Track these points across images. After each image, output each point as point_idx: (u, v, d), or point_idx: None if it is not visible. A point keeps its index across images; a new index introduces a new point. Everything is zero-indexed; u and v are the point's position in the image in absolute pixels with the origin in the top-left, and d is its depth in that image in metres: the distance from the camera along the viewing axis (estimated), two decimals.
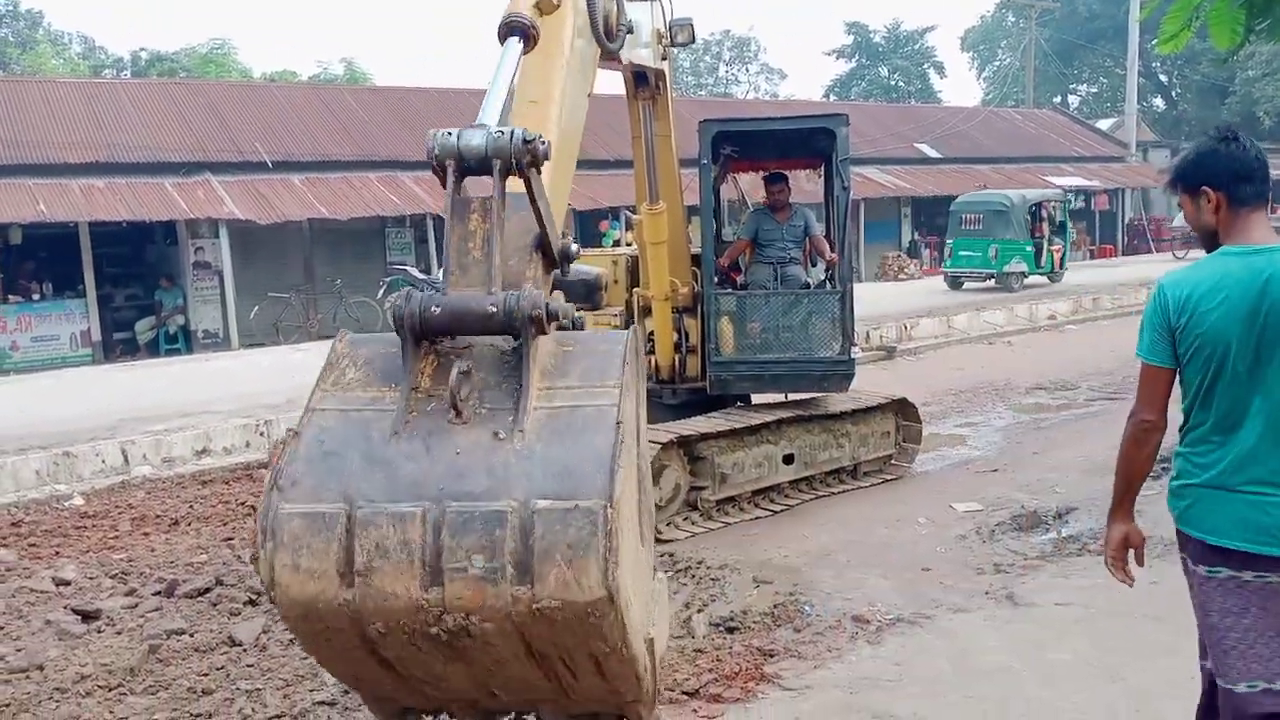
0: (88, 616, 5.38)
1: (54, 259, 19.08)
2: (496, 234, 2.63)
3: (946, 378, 12.38)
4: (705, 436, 6.64)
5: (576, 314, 2.85)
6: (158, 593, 5.78)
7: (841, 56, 54.83)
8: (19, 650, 4.98)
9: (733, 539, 6.43)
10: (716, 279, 7.38)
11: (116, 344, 19.42)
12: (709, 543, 6.35)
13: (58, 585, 5.95)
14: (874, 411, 7.65)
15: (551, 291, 2.93)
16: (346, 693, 4.40)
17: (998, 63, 53.22)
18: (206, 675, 4.67)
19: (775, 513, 6.94)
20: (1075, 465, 7.75)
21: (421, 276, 19.07)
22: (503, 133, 2.59)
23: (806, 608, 5.20)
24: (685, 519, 6.63)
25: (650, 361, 7.38)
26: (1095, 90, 51.95)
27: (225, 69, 37.38)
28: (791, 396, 7.40)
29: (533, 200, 2.68)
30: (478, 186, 2.75)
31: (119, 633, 5.25)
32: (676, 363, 7.32)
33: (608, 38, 4.01)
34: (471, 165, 2.64)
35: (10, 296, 18.39)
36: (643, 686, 2.61)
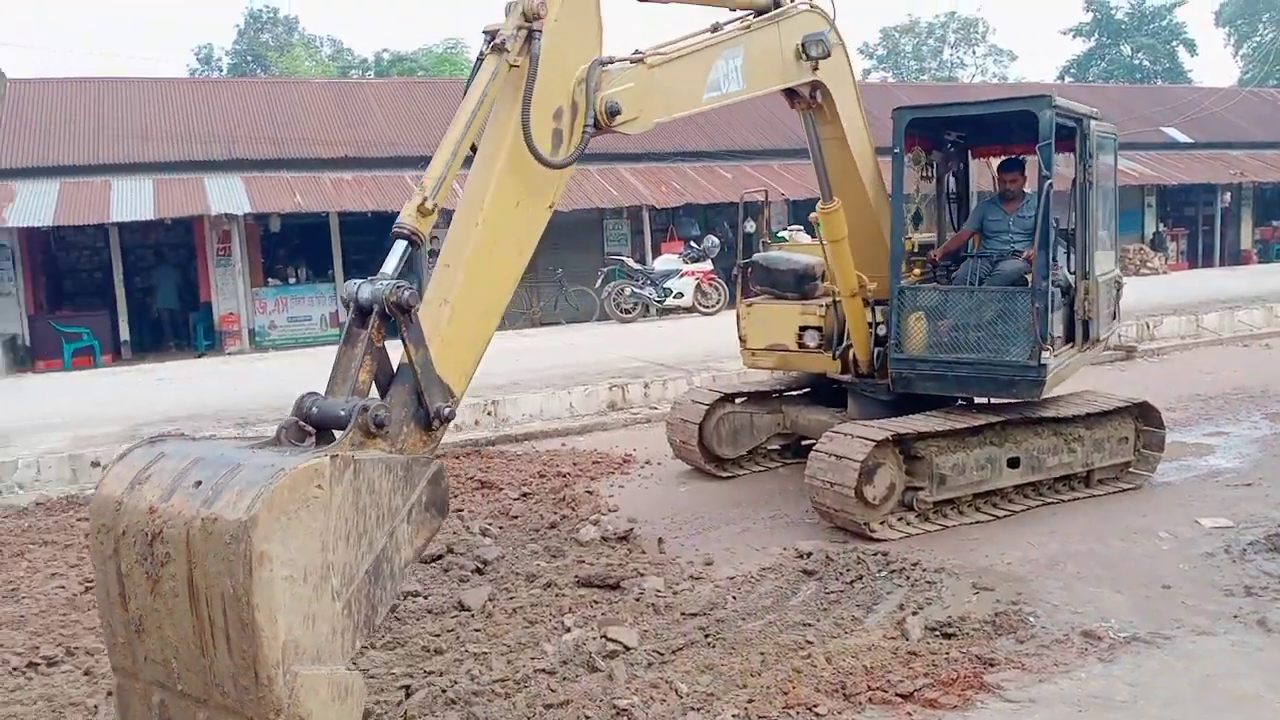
0: None
1: (307, 246, 20.82)
2: (365, 359, 3.59)
3: (1194, 381, 11.44)
4: (923, 436, 6.45)
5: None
6: None
7: (1079, 35, 51.52)
8: None
9: (951, 542, 6.22)
10: (922, 272, 7.13)
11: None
12: (925, 544, 6.18)
13: None
14: (1111, 415, 7.19)
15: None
16: (565, 663, 4.60)
17: (1258, 38, 48.47)
18: (438, 636, 4.99)
19: (998, 518, 6.65)
20: None
21: (637, 266, 19.50)
22: (382, 287, 3.53)
23: (1031, 618, 4.97)
24: (900, 519, 6.47)
25: (849, 355, 7.28)
26: None
27: (459, 68, 39.44)
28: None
29: (404, 340, 3.60)
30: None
31: None
32: (876, 356, 7.14)
33: (610, 118, 4.52)
34: (363, 308, 3.58)
35: (270, 280, 20.20)
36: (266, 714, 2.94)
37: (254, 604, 2.87)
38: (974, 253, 7.46)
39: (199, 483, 3.06)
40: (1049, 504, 6.89)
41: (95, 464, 8.97)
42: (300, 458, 3.14)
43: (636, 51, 4.95)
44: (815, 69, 6.24)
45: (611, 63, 4.66)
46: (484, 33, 4.31)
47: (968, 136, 8.03)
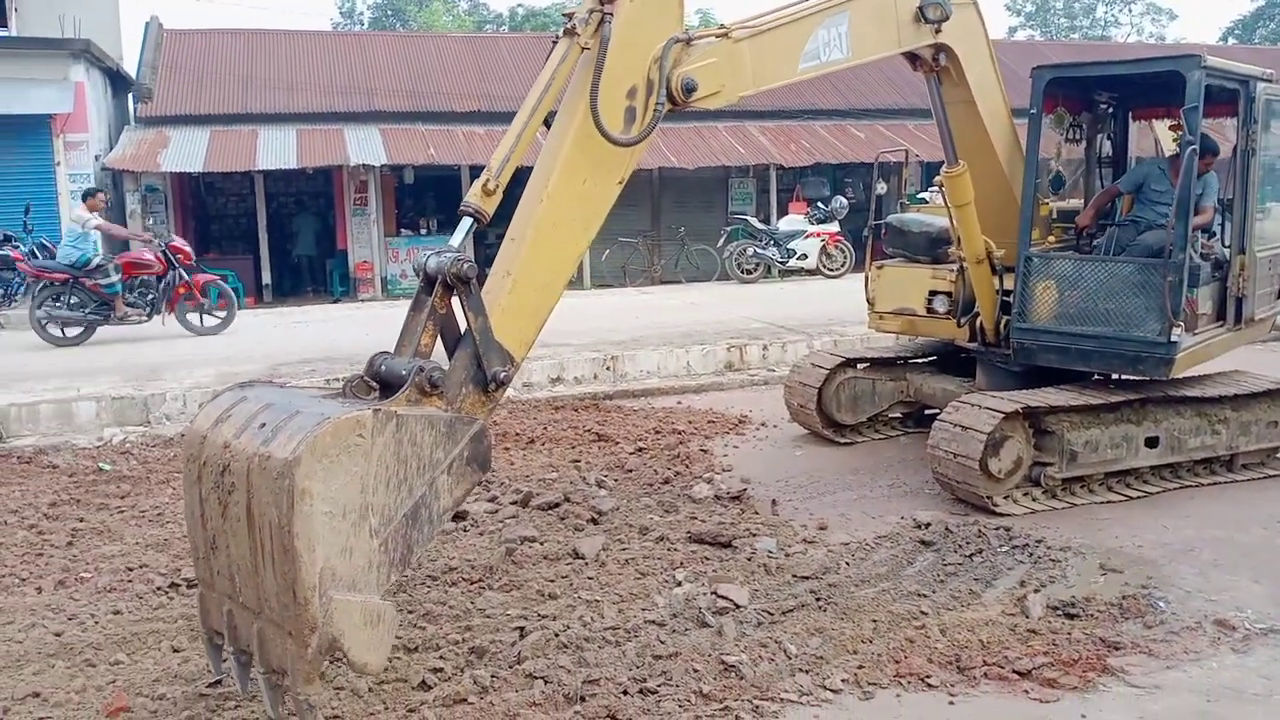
0: (457, 517, 6.04)
1: (439, 198, 21.30)
2: (428, 324, 3.89)
3: None
4: (1055, 410, 6.21)
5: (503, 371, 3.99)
6: (514, 502, 6.39)
7: None
8: None
9: (1079, 521, 6.00)
10: (1060, 238, 6.82)
11: (485, 277, 21.36)
12: (1051, 522, 5.98)
13: None
14: (1260, 397, 6.78)
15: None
16: (675, 615, 4.65)
17: None
18: (553, 581, 5.11)
19: (1130, 498, 6.37)
20: None
21: (761, 226, 19.28)
22: (445, 259, 3.78)
23: (1161, 603, 4.77)
24: (1025, 494, 6.26)
25: (977, 323, 7.06)
26: None
27: None
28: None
29: (464, 306, 3.87)
30: None
31: (481, 534, 5.87)
32: (1004, 325, 6.88)
33: (686, 95, 4.52)
34: (430, 277, 3.85)
35: (402, 230, 20.77)
36: (305, 641, 3.21)
37: (294, 533, 3.17)
38: (1123, 219, 7.09)
39: (264, 424, 3.40)
40: (1187, 487, 6.57)
41: None
42: (349, 408, 3.43)
43: (722, 26, 4.83)
44: (938, 31, 5.93)
45: (692, 40, 4.56)
46: (563, 15, 4.35)
47: (1124, 98, 7.60)
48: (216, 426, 3.55)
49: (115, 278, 12.51)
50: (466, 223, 4.06)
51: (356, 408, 3.44)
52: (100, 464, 7.79)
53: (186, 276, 12.93)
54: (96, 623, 4.75)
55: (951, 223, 6.88)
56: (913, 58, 6.25)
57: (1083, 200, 7.66)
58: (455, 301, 3.92)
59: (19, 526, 6.28)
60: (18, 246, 14.76)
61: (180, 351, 11.75)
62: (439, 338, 3.96)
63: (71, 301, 12.35)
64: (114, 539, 5.98)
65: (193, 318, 13.11)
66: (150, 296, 12.81)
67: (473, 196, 4.05)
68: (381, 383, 3.79)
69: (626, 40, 4.28)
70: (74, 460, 7.94)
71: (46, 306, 12.33)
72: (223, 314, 13.30)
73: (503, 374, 3.93)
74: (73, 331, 12.47)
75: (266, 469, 3.23)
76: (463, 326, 3.99)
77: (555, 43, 4.35)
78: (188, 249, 13.26)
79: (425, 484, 3.57)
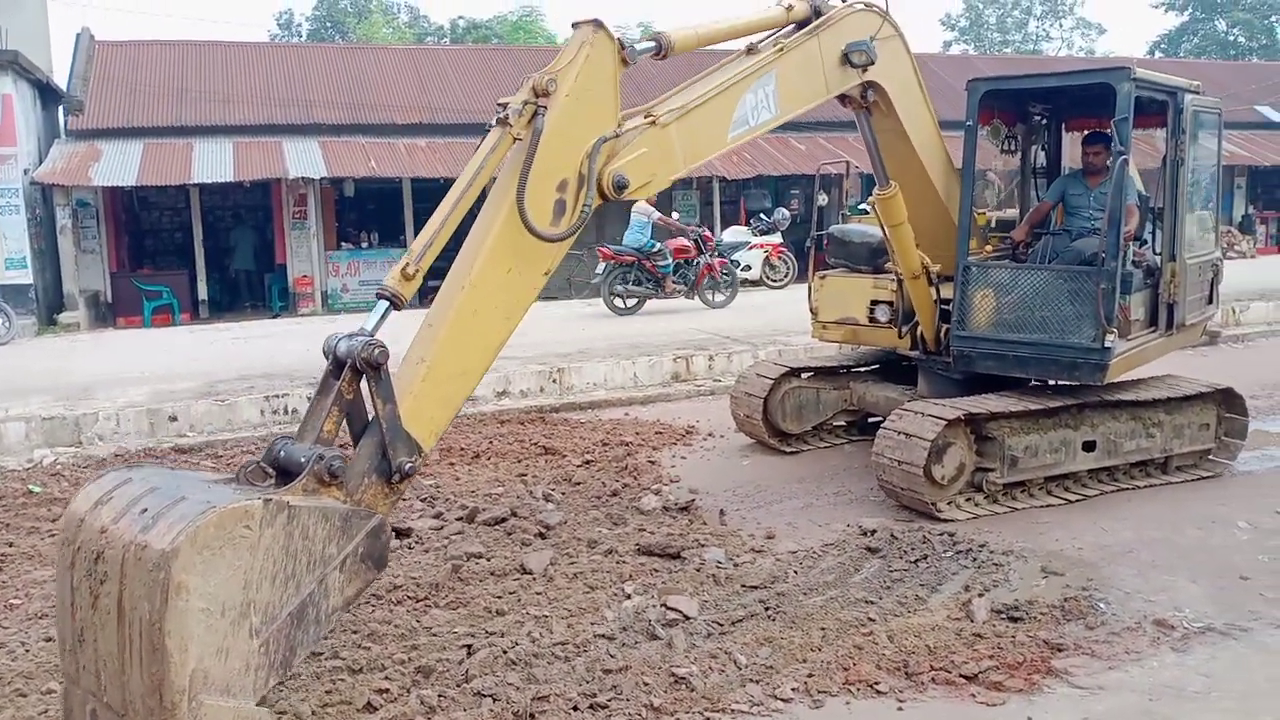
0: (400, 534, 5.96)
1: (380, 211, 21.11)
2: (333, 409, 3.70)
3: None
4: (995, 416, 6.31)
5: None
6: (460, 518, 6.31)
7: (1171, 9, 49.64)
8: None
9: (1020, 525, 6.10)
10: (997, 248, 6.95)
11: (429, 291, 21.16)
12: (993, 526, 6.06)
13: None
14: (1192, 401, 6.95)
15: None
16: (625, 629, 4.62)
17: None
18: (500, 598, 5.05)
19: (1070, 502, 6.49)
20: None
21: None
22: (356, 343, 3.63)
23: (1101, 605, 4.86)
24: (968, 500, 6.35)
25: (918, 332, 7.17)
26: None
27: (533, 35, 39.47)
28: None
29: (373, 395, 3.70)
30: None
31: (426, 551, 5.79)
32: (944, 333, 6.99)
33: (617, 191, 4.51)
34: (339, 360, 3.69)
35: (343, 244, 20.52)
36: None
37: (166, 630, 2.98)
38: (1054, 229, 7.24)
39: (145, 510, 3.19)
40: (1124, 490, 6.71)
41: (172, 418, 9.22)
42: (238, 496, 3.26)
43: (648, 115, 4.79)
44: (864, 71, 5.92)
45: (619, 136, 4.55)
46: (497, 104, 4.32)
47: (1057, 110, 7.78)
48: (95, 509, 3.32)
49: (668, 261, 15.53)
50: (382, 306, 3.91)
51: (247, 496, 3.27)
52: (30, 486, 7.54)
53: (710, 260, 15.90)
54: (28, 651, 4.58)
55: (886, 240, 6.97)
56: (842, 97, 6.21)
57: (1018, 210, 7.81)
58: (365, 387, 3.75)
59: None
60: None
61: (110, 369, 11.45)
62: (345, 424, 3.78)
63: (634, 279, 15.44)
64: (45, 563, 5.78)
65: (709, 294, 15.99)
66: (688, 276, 15.76)
67: (391, 280, 3.93)
68: (279, 469, 3.61)
69: (559, 133, 4.26)
70: (2, 483, 7.67)
71: (615, 283, 15.34)
72: (728, 292, 16.10)
73: (408, 465, 3.75)
74: (632, 303, 15.50)
75: (142, 559, 3.04)
76: (371, 414, 3.82)
77: (487, 132, 4.30)
78: (709, 234, 16.65)
79: (315, 580, 3.36)
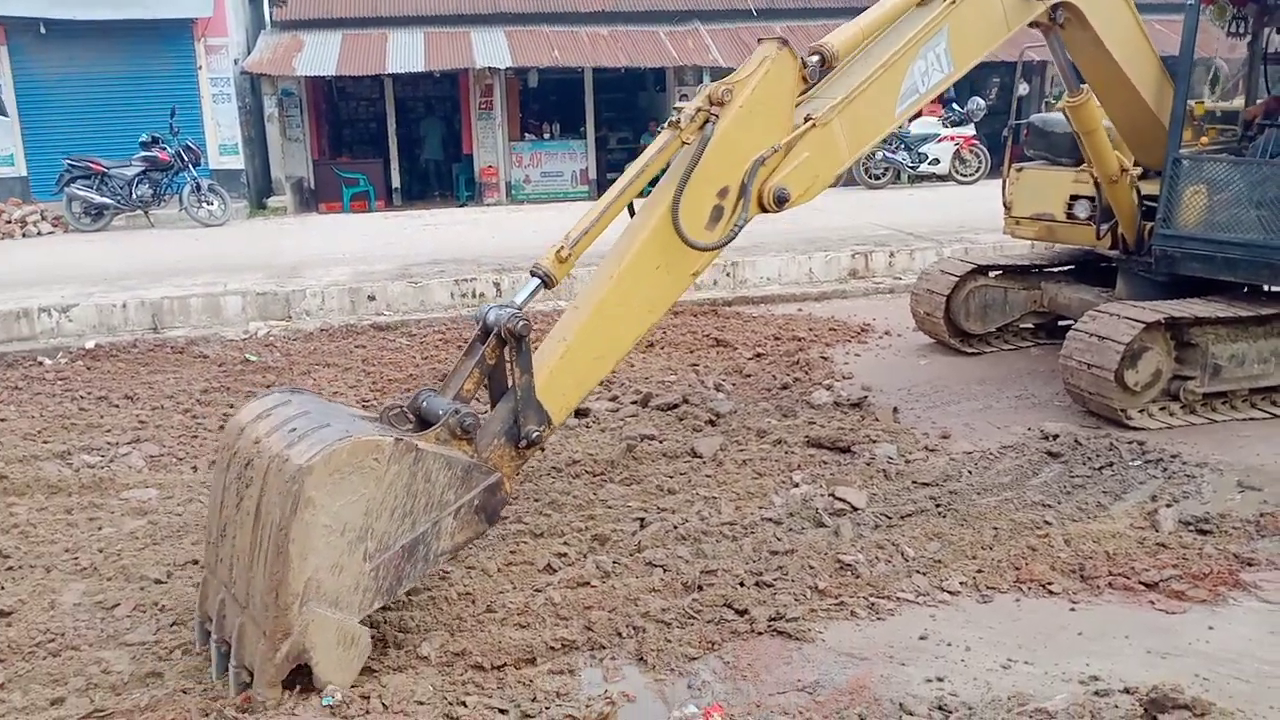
0: (580, 414, 6.20)
1: (561, 103, 21.26)
2: (475, 371, 3.89)
3: None
4: (1200, 321, 5.92)
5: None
6: (634, 402, 6.51)
7: None
8: None
9: (1218, 437, 5.76)
10: (1213, 140, 6.43)
11: (609, 183, 21.35)
12: (1188, 438, 5.75)
13: None
14: None
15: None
16: (792, 515, 4.70)
17: None
18: (671, 478, 5.22)
19: (1276, 416, 6.07)
20: None
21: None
22: (504, 314, 3.80)
23: None
24: (1162, 409, 6.03)
25: (1117, 232, 6.75)
26: None
27: None
28: None
29: (513, 364, 3.86)
30: None
31: (603, 430, 6.03)
32: (1147, 232, 6.52)
33: (778, 205, 4.48)
34: (487, 327, 3.87)
35: (526, 135, 20.87)
36: (275, 646, 3.25)
37: (291, 537, 3.25)
38: None
39: (294, 429, 3.49)
40: None
41: (370, 297, 9.81)
42: (375, 431, 3.51)
43: (808, 118, 4.57)
44: None
45: (777, 150, 4.41)
46: (674, 108, 4.36)
47: None
48: (255, 421, 3.65)
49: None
50: (533, 283, 4.05)
51: (382, 433, 3.51)
52: (247, 355, 8.25)
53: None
54: None
55: (1080, 144, 6.52)
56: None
57: (1244, 101, 7.13)
58: (507, 355, 3.90)
59: (175, 410, 6.75)
60: (165, 148, 15.46)
61: (315, 250, 12.22)
62: (487, 388, 3.99)
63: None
64: None
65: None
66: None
67: (545, 260, 4.05)
68: (420, 417, 3.86)
69: (728, 140, 4.27)
70: (222, 351, 8.43)
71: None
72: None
73: (535, 434, 3.90)
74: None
75: (282, 471, 3.33)
76: (510, 382, 3.98)
77: (659, 130, 4.35)
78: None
79: (429, 522, 3.58)
